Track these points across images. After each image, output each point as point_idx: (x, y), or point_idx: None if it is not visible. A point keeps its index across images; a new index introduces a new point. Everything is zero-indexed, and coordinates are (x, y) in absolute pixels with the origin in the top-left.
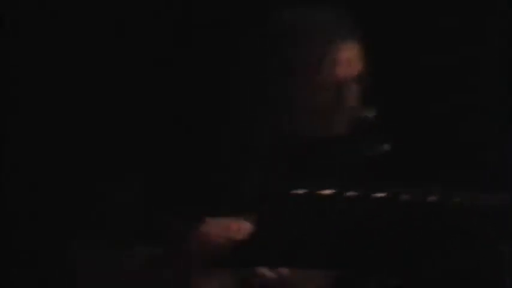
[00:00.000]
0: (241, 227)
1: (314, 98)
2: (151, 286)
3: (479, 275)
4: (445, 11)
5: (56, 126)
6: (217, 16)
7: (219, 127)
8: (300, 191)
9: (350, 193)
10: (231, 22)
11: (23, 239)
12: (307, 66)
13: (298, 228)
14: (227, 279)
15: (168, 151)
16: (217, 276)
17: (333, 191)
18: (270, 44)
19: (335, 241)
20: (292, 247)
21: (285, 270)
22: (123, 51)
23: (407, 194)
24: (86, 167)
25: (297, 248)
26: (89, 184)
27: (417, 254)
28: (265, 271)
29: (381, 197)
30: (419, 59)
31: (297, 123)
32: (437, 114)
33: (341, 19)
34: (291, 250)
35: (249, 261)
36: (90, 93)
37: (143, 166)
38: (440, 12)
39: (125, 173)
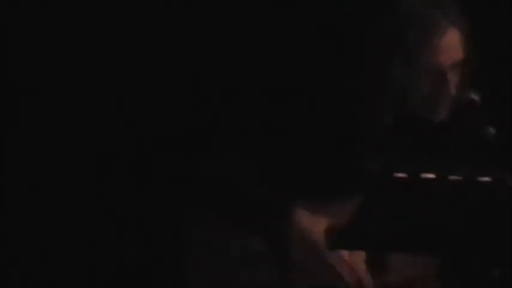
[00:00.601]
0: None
1: (420, 83)
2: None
3: None
4: None
5: None
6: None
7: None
8: (403, 174)
9: (453, 177)
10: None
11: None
12: (414, 50)
13: (402, 211)
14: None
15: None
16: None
17: (435, 174)
18: (387, 31)
19: (438, 225)
20: (395, 230)
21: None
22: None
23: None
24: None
25: (399, 231)
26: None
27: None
28: None
29: (485, 181)
30: None
31: (409, 106)
32: None
33: (444, 5)
34: (393, 233)
35: (352, 244)
36: None
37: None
38: None
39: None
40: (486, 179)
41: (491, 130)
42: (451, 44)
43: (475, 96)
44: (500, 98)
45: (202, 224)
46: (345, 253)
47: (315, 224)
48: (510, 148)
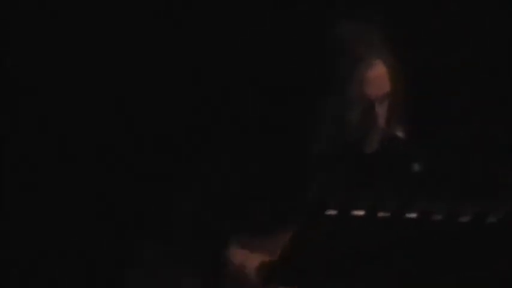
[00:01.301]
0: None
1: (349, 113)
2: None
3: None
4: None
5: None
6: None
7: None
8: (333, 212)
9: (381, 214)
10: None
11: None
12: (344, 81)
13: (334, 248)
14: None
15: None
16: None
17: (365, 211)
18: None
19: (370, 261)
20: (328, 267)
21: None
22: None
23: (439, 214)
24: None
25: (333, 267)
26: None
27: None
28: None
29: (413, 218)
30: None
31: (341, 135)
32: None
33: (372, 38)
34: (326, 270)
35: (286, 280)
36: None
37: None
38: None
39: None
40: (413, 215)
41: (416, 166)
42: (378, 77)
43: (399, 133)
44: (424, 134)
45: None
46: None
47: (248, 260)
48: (435, 183)
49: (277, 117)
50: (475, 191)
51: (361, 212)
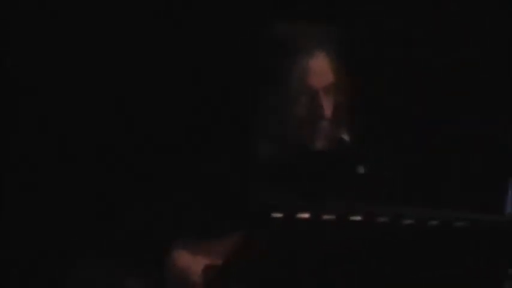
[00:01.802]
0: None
1: (293, 106)
2: None
3: None
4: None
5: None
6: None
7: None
8: (279, 214)
9: (326, 216)
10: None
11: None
12: (284, 74)
13: (280, 251)
14: None
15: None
16: None
17: (309, 214)
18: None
19: (315, 266)
20: (273, 271)
21: None
22: None
23: (384, 217)
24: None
25: (278, 271)
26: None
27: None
28: None
29: (358, 220)
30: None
31: (287, 133)
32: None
33: (313, 32)
34: (271, 274)
35: (230, 285)
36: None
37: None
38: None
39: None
40: (358, 217)
41: (361, 169)
42: (320, 68)
43: (345, 136)
44: (370, 137)
45: (84, 262)
46: None
47: (193, 263)
48: (381, 185)
49: (218, 118)
50: (418, 194)
51: (306, 215)
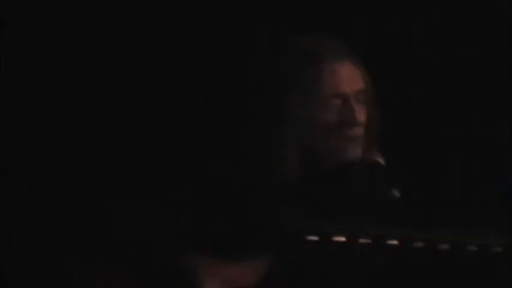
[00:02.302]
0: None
1: (324, 113)
2: None
3: None
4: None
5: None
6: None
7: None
8: (313, 237)
9: (363, 240)
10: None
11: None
12: (314, 83)
13: (310, 274)
14: None
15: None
16: None
17: (345, 237)
18: (281, 67)
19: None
20: None
21: None
22: None
23: (420, 241)
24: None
25: None
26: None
27: None
28: None
29: (393, 244)
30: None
31: (315, 144)
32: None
33: (338, 44)
34: None
35: None
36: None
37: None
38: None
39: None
40: (394, 241)
41: (395, 193)
42: (350, 74)
43: (380, 159)
44: (404, 161)
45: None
46: None
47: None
48: (412, 211)
49: (239, 141)
50: (452, 219)
51: (342, 238)
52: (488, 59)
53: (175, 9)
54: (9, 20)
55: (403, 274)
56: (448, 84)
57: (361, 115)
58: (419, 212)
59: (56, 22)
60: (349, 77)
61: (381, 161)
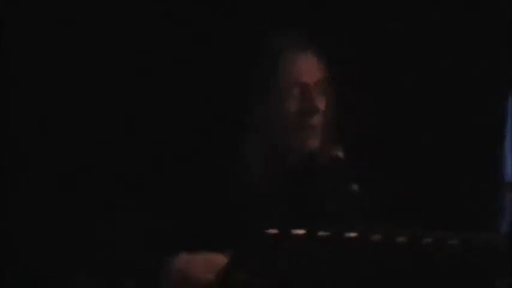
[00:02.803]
0: (218, 264)
1: (284, 103)
2: None
3: None
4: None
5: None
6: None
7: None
8: (274, 231)
9: (322, 233)
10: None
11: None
12: (275, 72)
13: (271, 268)
14: None
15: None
16: None
17: (305, 230)
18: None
19: (307, 281)
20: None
21: None
22: None
23: (377, 234)
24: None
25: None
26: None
27: None
28: None
29: (352, 237)
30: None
31: (277, 134)
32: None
33: (301, 36)
34: None
35: None
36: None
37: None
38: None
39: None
40: (353, 234)
41: (355, 186)
42: (310, 64)
43: (340, 153)
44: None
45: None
46: None
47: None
48: (373, 204)
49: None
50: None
51: (301, 231)
52: (488, 59)
53: (171, 9)
54: (9, 20)
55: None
56: (446, 83)
57: (320, 104)
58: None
59: (56, 22)
60: (309, 67)
61: (340, 154)
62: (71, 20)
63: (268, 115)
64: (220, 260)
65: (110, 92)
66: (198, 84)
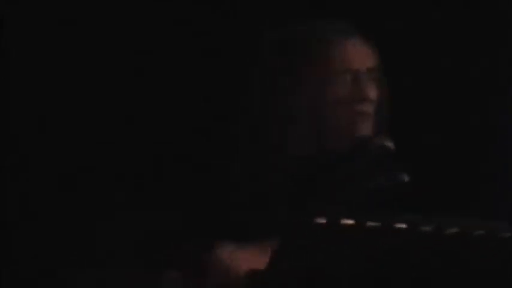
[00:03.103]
0: (262, 255)
1: (335, 89)
2: None
3: None
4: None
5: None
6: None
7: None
8: (322, 220)
9: (371, 223)
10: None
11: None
12: (325, 59)
13: (319, 258)
14: None
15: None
16: None
17: (354, 221)
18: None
19: (356, 272)
20: (312, 278)
21: None
22: None
23: (427, 225)
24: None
25: (317, 278)
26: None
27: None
28: None
29: (401, 228)
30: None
31: (327, 119)
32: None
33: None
34: (311, 281)
35: None
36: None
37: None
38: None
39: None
40: (402, 225)
41: (404, 177)
42: (361, 50)
43: (389, 143)
44: (412, 145)
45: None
46: None
47: (235, 267)
48: (420, 195)
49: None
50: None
51: (350, 221)
52: (488, 59)
53: (174, 9)
54: (9, 20)
55: (410, 258)
56: (445, 83)
57: (371, 91)
58: (427, 197)
59: (56, 22)
60: (359, 54)
61: (390, 144)
62: (71, 20)
63: (319, 99)
64: (263, 251)
65: (109, 92)
66: (197, 84)
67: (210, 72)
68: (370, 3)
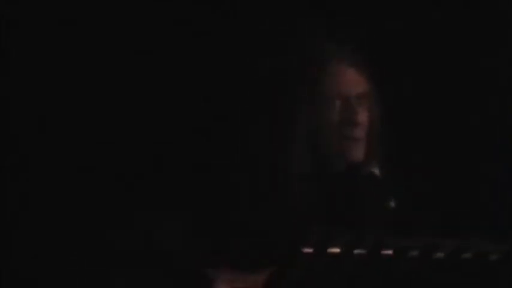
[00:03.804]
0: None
1: (327, 114)
2: None
3: None
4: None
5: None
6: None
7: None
8: (309, 249)
9: (357, 251)
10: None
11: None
12: (319, 84)
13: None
14: None
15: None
16: None
17: (340, 249)
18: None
19: None
20: None
21: None
22: None
23: (416, 250)
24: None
25: None
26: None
27: None
28: None
29: (389, 254)
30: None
31: (321, 143)
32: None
33: (345, 47)
34: None
35: None
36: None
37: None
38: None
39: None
40: (389, 252)
41: (392, 203)
42: (353, 76)
43: (376, 170)
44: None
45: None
46: None
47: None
48: (413, 220)
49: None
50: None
51: (337, 250)
52: (488, 59)
53: (174, 9)
54: (9, 20)
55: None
56: (446, 82)
57: (362, 116)
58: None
59: (56, 22)
60: (352, 80)
61: (377, 172)
62: (71, 20)
63: (313, 123)
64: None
65: (110, 92)
66: (197, 84)
67: (210, 72)
68: (370, 3)
